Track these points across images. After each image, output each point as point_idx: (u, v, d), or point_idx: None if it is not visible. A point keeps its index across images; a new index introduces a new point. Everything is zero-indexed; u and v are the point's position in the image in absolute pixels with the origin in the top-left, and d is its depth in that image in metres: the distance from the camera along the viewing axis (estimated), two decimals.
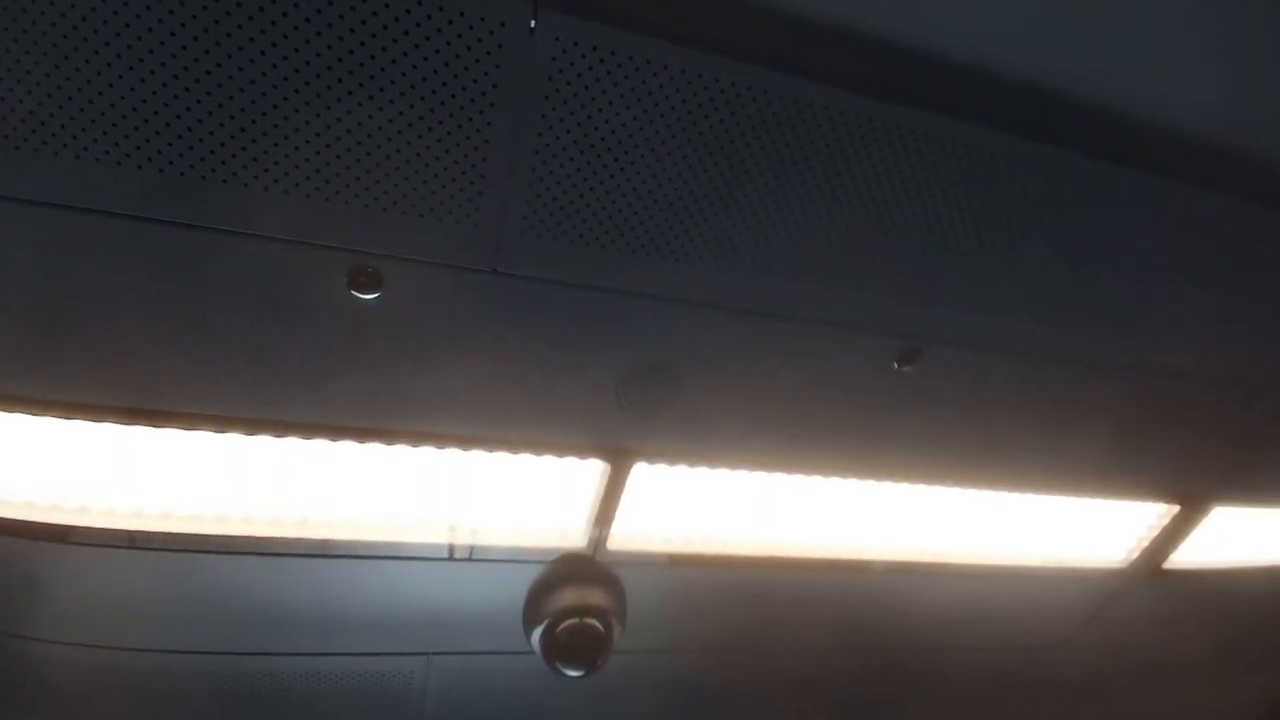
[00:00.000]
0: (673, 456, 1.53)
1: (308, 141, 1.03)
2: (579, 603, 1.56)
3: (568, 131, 1.09)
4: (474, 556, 1.57)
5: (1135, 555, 2.19)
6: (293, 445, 1.35)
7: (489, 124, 1.06)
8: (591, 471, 1.53)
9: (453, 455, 1.42)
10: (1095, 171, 1.31)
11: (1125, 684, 2.78)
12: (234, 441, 1.32)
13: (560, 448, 1.46)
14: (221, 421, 1.28)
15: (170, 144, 1.00)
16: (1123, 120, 1.27)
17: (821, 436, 1.59)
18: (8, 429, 1.26)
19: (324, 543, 1.49)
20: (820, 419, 1.56)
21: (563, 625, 1.55)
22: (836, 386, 1.51)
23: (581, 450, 1.48)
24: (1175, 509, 2.07)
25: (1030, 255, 1.41)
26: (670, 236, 1.23)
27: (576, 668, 1.57)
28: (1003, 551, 2.04)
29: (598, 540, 1.62)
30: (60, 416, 1.23)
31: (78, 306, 1.12)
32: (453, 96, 1.03)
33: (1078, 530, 2.05)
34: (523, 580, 1.64)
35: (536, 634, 1.58)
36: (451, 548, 1.55)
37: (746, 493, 1.67)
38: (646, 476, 1.56)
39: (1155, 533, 2.13)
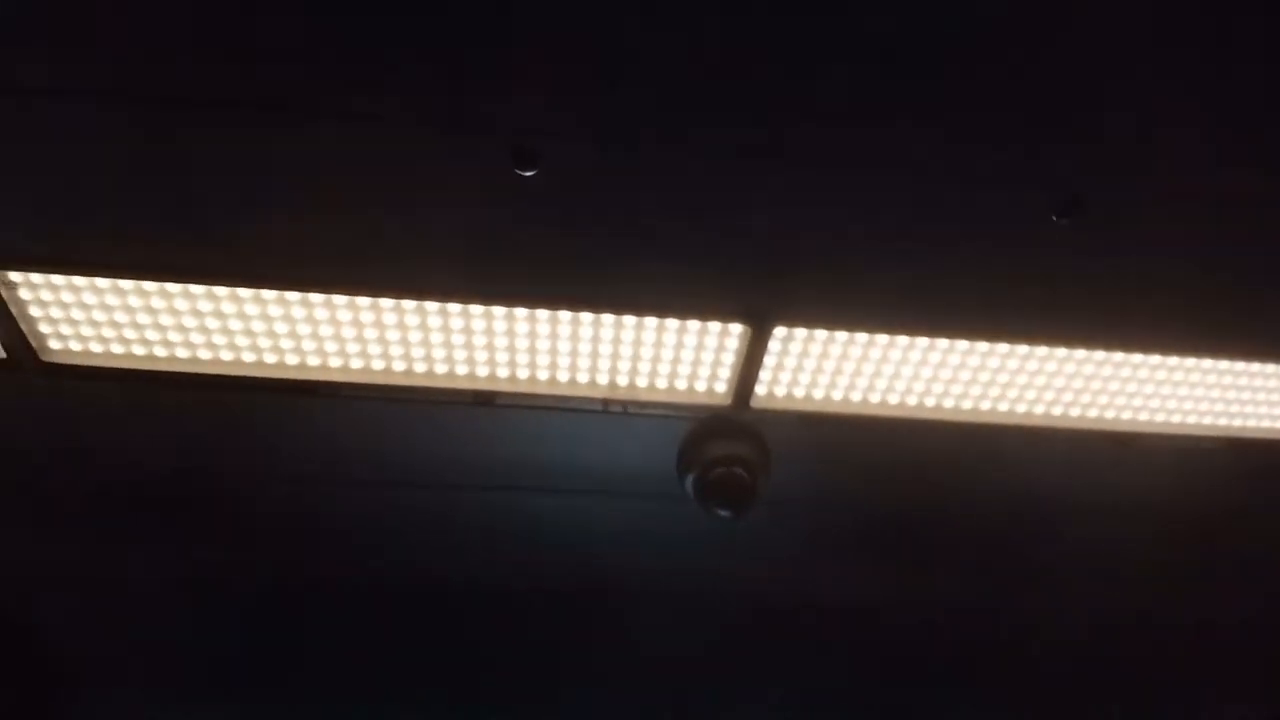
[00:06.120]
0: (812, 320, 1.59)
1: None
2: (728, 452, 1.71)
3: None
4: (629, 411, 1.76)
5: None
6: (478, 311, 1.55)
7: None
8: (733, 335, 1.62)
9: (608, 319, 1.57)
10: None
11: None
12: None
13: (703, 312, 1.56)
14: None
15: None
16: None
17: (970, 297, 1.57)
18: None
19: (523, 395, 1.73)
20: (970, 279, 1.53)
21: (714, 472, 1.71)
22: (988, 242, 1.47)
23: (724, 315, 1.57)
24: None
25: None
26: None
27: (726, 509, 1.73)
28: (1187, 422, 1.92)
29: (743, 399, 1.74)
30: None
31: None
32: None
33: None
34: (673, 434, 1.81)
35: (690, 479, 1.75)
36: (606, 402, 1.74)
37: (890, 355, 1.70)
38: (788, 340, 1.63)
39: None
